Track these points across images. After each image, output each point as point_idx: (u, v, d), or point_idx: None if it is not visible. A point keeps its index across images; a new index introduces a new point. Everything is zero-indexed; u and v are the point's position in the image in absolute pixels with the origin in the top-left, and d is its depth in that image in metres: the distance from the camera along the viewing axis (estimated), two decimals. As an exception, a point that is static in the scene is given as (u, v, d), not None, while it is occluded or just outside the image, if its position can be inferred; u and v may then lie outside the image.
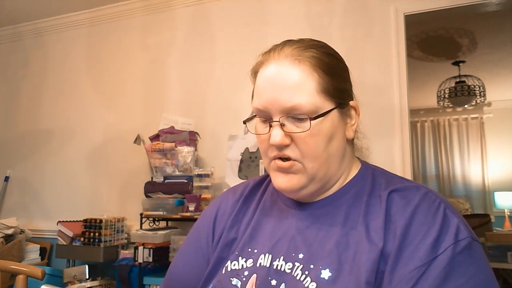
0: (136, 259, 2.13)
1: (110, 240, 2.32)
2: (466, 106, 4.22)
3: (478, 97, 3.97)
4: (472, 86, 3.93)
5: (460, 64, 3.99)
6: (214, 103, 2.52)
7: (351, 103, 0.71)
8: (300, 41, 0.70)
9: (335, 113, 0.67)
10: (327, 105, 0.66)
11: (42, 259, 2.67)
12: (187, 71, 2.62)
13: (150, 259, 2.10)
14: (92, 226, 2.29)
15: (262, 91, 0.67)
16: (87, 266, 2.30)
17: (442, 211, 0.61)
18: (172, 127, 2.41)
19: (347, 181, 0.72)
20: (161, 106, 2.64)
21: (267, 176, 0.83)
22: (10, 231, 2.51)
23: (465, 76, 3.98)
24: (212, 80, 2.55)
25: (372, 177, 0.72)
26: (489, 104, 5.23)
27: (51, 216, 2.74)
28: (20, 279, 1.34)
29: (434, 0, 2.12)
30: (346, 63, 0.74)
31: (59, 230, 2.46)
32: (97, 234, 2.27)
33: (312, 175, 0.67)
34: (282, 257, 0.66)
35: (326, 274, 0.61)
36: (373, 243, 0.61)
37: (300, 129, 0.65)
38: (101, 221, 2.30)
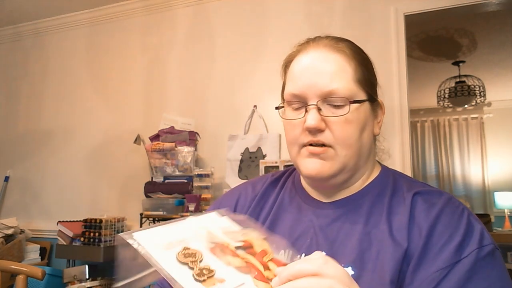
0: (136, 259, 2.13)
1: (110, 240, 2.31)
2: (466, 106, 4.22)
3: (478, 97, 3.97)
4: (472, 86, 3.93)
5: (460, 64, 3.99)
6: (214, 103, 2.51)
7: (379, 99, 0.73)
8: (333, 36, 0.72)
9: (367, 105, 0.69)
10: (361, 95, 0.68)
11: (42, 259, 2.66)
12: (187, 71, 2.62)
13: (150, 259, 2.10)
14: (92, 226, 2.29)
15: (299, 76, 0.68)
16: (87, 266, 2.30)
17: (466, 217, 0.61)
18: (172, 127, 2.41)
19: (369, 181, 0.72)
20: (161, 106, 2.64)
21: (284, 173, 0.83)
22: (10, 231, 2.51)
23: (465, 76, 3.98)
24: (212, 80, 2.55)
25: (393, 179, 0.72)
26: (489, 104, 5.23)
27: (51, 216, 2.74)
28: (20, 279, 1.33)
29: (434, 0, 2.12)
30: None
31: (59, 230, 2.46)
32: (97, 234, 2.27)
33: (344, 163, 0.67)
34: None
35: (348, 271, 0.61)
36: (397, 242, 0.61)
37: (337, 114, 0.65)
38: (101, 221, 2.29)
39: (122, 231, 2.70)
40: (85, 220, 2.32)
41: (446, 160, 5.61)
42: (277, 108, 0.75)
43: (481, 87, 3.93)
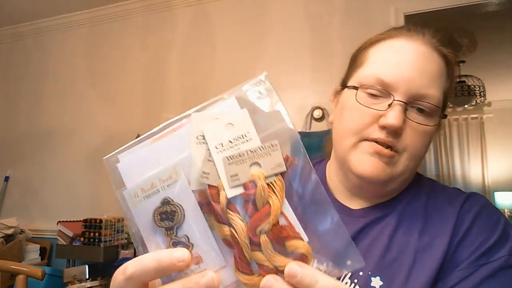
0: (136, 259, 2.13)
1: (110, 240, 2.31)
2: (466, 106, 4.21)
3: (478, 97, 3.97)
4: (472, 86, 3.93)
5: (460, 64, 3.99)
6: (214, 103, 2.52)
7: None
8: (438, 34, 0.65)
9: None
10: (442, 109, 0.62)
11: (42, 259, 2.66)
12: (187, 71, 2.62)
13: (150, 259, 2.10)
14: (92, 226, 2.29)
15: (396, 64, 0.60)
16: (87, 266, 2.30)
17: (502, 223, 0.60)
18: (172, 127, 2.41)
19: (402, 189, 0.67)
20: (161, 105, 2.64)
21: None
22: (10, 231, 2.51)
23: (465, 76, 3.98)
24: (212, 79, 2.55)
25: (427, 185, 0.68)
26: (489, 104, 5.22)
27: (51, 216, 2.74)
28: (20, 279, 1.33)
29: (434, 0, 2.12)
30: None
31: (59, 230, 2.46)
32: (97, 234, 2.27)
33: (402, 172, 0.60)
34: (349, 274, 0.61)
35: (376, 282, 0.58)
36: (436, 252, 0.58)
37: (423, 122, 0.59)
38: (101, 221, 2.29)
39: (122, 231, 2.67)
40: (85, 220, 2.32)
41: (446, 160, 5.61)
42: (346, 86, 0.65)
43: (481, 87, 3.93)
